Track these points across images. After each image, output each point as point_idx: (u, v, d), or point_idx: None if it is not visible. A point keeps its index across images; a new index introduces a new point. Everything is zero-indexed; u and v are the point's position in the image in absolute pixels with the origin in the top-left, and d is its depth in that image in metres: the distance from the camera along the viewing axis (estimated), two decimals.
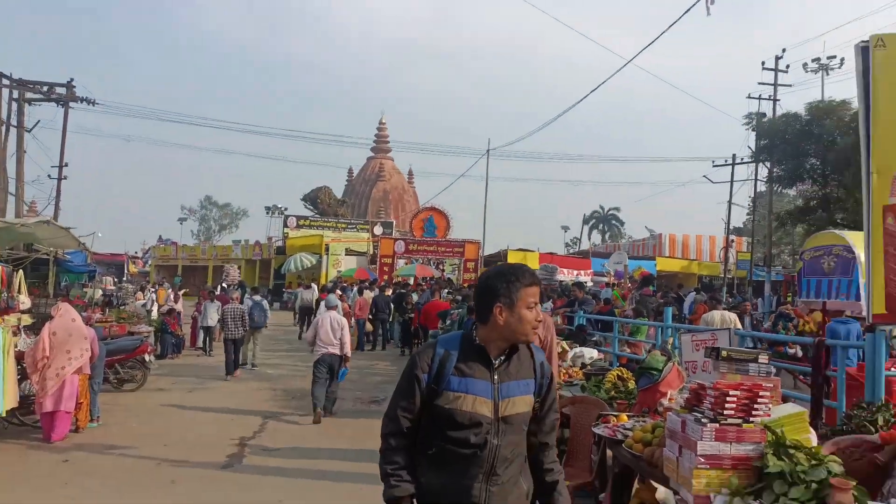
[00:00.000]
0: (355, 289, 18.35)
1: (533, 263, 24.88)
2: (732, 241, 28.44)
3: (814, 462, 2.43)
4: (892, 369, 4.73)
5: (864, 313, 4.37)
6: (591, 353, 6.86)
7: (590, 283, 23.70)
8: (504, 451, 2.06)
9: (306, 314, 18.34)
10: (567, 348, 7.14)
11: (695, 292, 18.08)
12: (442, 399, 2.05)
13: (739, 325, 8.52)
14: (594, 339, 9.22)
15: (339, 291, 16.84)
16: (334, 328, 8.44)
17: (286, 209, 45.32)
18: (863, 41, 4.09)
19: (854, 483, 2.33)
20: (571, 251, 47.86)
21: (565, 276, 24.16)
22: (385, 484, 2.09)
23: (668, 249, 33.26)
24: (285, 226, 38.41)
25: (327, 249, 30.92)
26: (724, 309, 10.89)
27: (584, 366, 6.41)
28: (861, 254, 4.71)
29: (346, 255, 31.32)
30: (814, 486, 2.32)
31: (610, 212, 62.16)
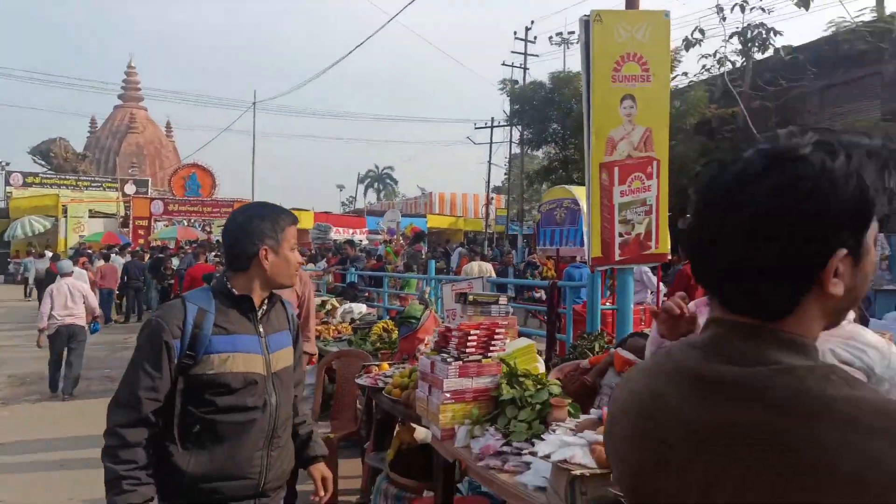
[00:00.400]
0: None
1: (307, 223, 24.48)
2: (492, 198, 31.07)
3: (539, 387, 2.75)
4: (608, 304, 5.60)
5: (586, 257, 5.07)
6: (360, 308, 6.98)
7: (365, 241, 24.13)
8: (283, 410, 1.94)
9: (42, 286, 15.83)
10: (337, 305, 7.17)
11: (461, 247, 19.49)
12: (204, 365, 1.79)
13: (493, 274, 9.40)
14: (365, 294, 9.41)
15: (83, 259, 14.77)
16: (73, 294, 7.42)
17: (8, 164, 38.02)
18: (585, 15, 4.60)
19: (569, 401, 2.70)
20: (347, 210, 48.03)
21: (341, 234, 24.25)
22: (113, 490, 1.71)
23: (438, 207, 35.08)
24: (8, 184, 32.29)
25: (65, 211, 26.79)
26: (482, 260, 11.96)
27: (353, 321, 6.50)
28: (584, 205, 5.43)
29: (90, 217, 27.47)
30: (538, 407, 2.63)
31: (384, 171, 63.42)
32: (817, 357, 0.76)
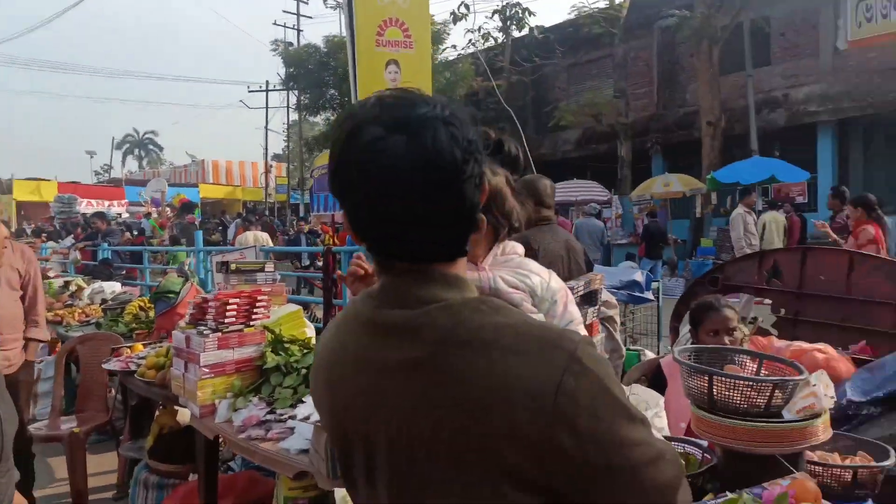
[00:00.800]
0: None
1: (49, 194, 21.34)
2: (272, 166, 29.80)
3: (305, 351, 2.71)
4: None
5: None
6: (112, 288, 6.21)
7: (126, 215, 21.65)
8: (9, 427, 1.61)
9: None
10: (84, 285, 6.30)
11: (239, 218, 18.44)
12: None
13: (270, 243, 9.08)
14: (122, 272, 8.45)
15: None
16: None
17: None
18: None
19: None
20: (102, 179, 42.34)
21: (94, 206, 21.48)
22: None
23: (212, 176, 32.60)
24: None
25: None
26: (261, 230, 11.50)
27: (104, 301, 5.77)
28: None
29: None
30: (304, 371, 2.59)
31: (146, 136, 57.05)
32: (472, 290, 0.82)
